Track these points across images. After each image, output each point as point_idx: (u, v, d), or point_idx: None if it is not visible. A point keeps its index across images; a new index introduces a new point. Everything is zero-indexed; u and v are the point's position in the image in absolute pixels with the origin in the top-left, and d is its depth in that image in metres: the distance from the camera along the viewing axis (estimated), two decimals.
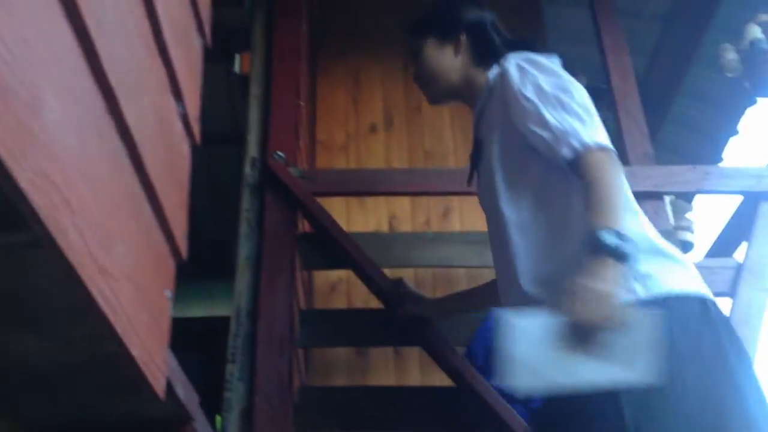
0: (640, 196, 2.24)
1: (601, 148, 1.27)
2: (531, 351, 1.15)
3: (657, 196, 2.25)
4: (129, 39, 0.65)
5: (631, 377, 1.11)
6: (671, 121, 3.81)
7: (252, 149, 2.18)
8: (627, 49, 2.65)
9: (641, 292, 1.20)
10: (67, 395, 0.79)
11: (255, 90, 2.31)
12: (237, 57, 2.45)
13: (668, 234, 2.18)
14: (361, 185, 2.27)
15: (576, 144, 1.27)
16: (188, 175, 0.88)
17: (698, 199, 3.68)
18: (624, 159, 2.41)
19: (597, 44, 2.67)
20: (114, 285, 0.61)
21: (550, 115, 1.32)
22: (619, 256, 1.14)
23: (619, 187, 1.24)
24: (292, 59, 2.29)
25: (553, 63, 1.44)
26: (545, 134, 1.32)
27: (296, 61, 2.29)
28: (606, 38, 2.60)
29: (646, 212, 2.20)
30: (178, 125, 0.84)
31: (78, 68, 0.54)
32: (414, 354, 2.38)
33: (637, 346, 1.11)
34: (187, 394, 0.90)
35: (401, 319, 1.85)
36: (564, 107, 1.33)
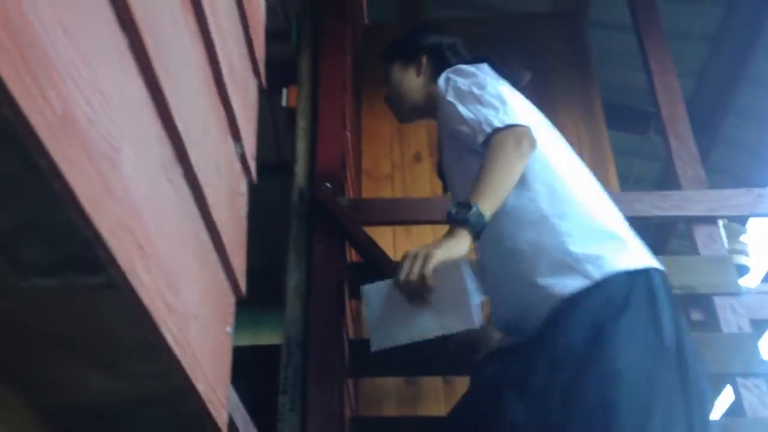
0: (693, 221, 2.20)
1: (509, 127, 1.37)
2: (379, 312, 1.34)
3: (710, 220, 2.20)
4: (193, 86, 0.68)
5: (455, 324, 1.29)
6: (721, 142, 3.75)
7: (300, 180, 2.22)
8: (674, 71, 2.62)
9: (594, 273, 1.29)
10: (133, 430, 0.81)
11: (302, 122, 2.35)
12: (284, 91, 2.50)
13: (724, 259, 2.13)
14: (408, 214, 2.28)
15: (487, 129, 1.39)
16: (246, 213, 0.90)
17: (752, 222, 3.59)
18: (675, 183, 2.38)
19: (644, 67, 2.64)
20: (181, 323, 0.63)
21: (466, 110, 1.44)
22: (460, 223, 1.29)
23: (503, 165, 1.33)
24: (337, 91, 2.33)
25: (478, 68, 1.57)
26: (465, 128, 1.44)
27: (342, 94, 2.32)
28: (653, 61, 2.57)
29: (699, 237, 2.16)
30: (237, 165, 0.86)
31: (150, 118, 0.57)
32: (464, 383, 2.36)
33: (449, 297, 1.29)
34: (246, 428, 0.91)
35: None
36: (478, 100, 1.44)
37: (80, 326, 0.59)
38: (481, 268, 1.51)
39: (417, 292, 1.30)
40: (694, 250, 2.19)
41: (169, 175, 0.61)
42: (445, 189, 1.78)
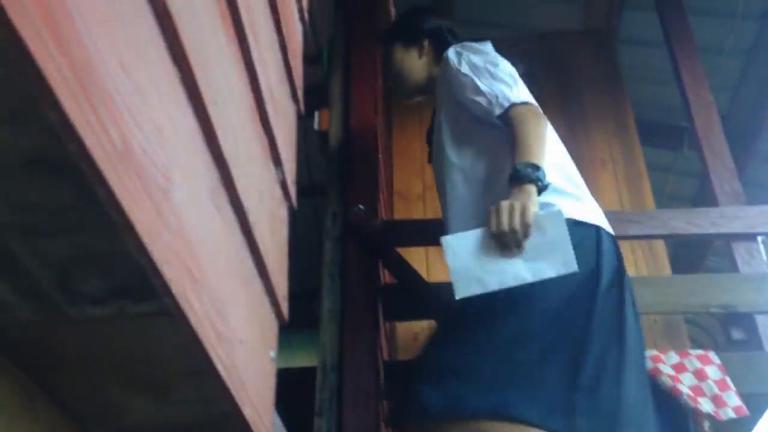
0: (732, 238, 2.16)
1: (525, 104, 1.57)
2: (466, 262, 1.41)
3: (750, 237, 2.16)
4: (238, 113, 0.69)
5: (548, 270, 1.36)
6: (757, 156, 3.68)
7: (333, 203, 2.23)
8: (707, 86, 2.59)
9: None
10: None
11: (334, 145, 2.37)
12: (316, 114, 2.53)
13: (765, 276, 2.09)
14: (441, 234, 2.27)
15: (504, 103, 1.57)
16: (287, 238, 0.91)
17: None
18: (712, 199, 2.34)
19: (676, 83, 2.62)
20: (229, 348, 0.64)
21: (482, 84, 1.61)
22: (532, 181, 1.42)
23: (538, 133, 1.51)
24: (369, 114, 2.35)
25: (484, 46, 1.74)
26: (481, 99, 1.61)
27: (373, 116, 2.34)
28: (685, 76, 2.55)
29: (739, 254, 2.12)
30: (278, 190, 0.87)
31: (198, 146, 0.58)
32: None
33: (548, 245, 1.37)
34: None
35: None
36: (493, 76, 1.62)
37: (131, 353, 0.60)
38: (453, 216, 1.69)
39: (511, 241, 1.38)
40: (733, 267, 2.15)
41: (216, 202, 0.62)
42: (429, 158, 1.95)
